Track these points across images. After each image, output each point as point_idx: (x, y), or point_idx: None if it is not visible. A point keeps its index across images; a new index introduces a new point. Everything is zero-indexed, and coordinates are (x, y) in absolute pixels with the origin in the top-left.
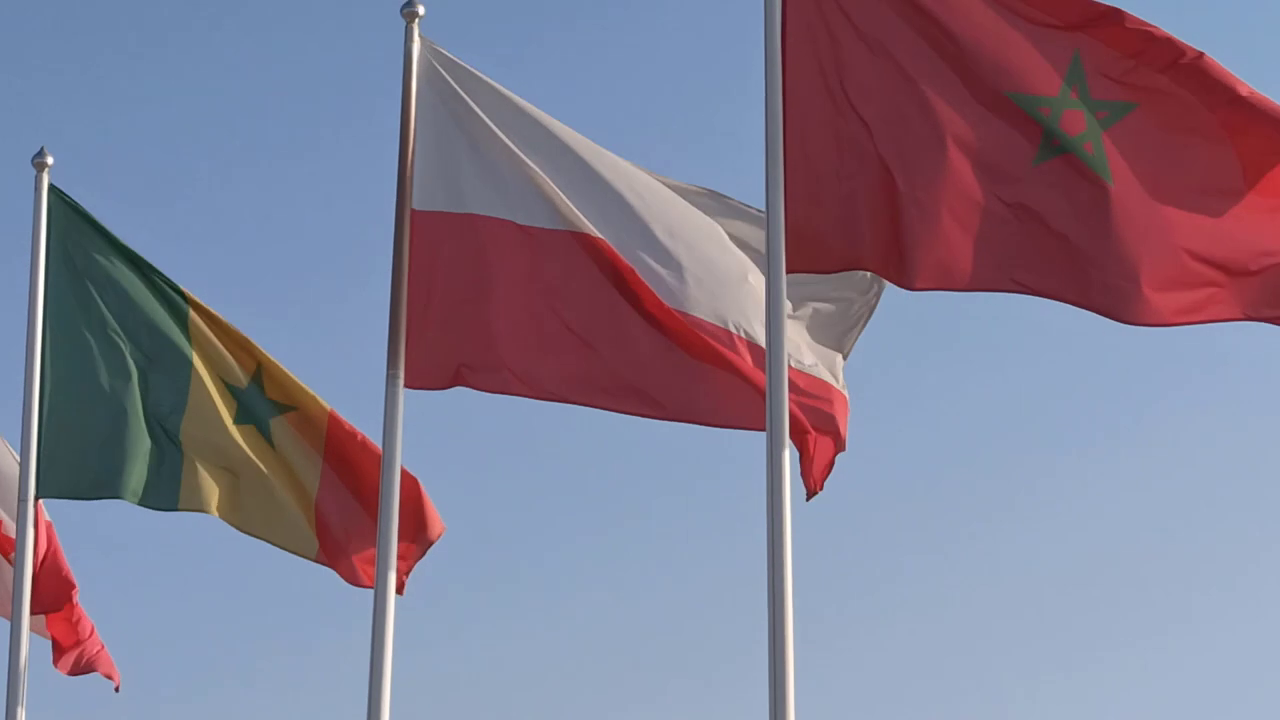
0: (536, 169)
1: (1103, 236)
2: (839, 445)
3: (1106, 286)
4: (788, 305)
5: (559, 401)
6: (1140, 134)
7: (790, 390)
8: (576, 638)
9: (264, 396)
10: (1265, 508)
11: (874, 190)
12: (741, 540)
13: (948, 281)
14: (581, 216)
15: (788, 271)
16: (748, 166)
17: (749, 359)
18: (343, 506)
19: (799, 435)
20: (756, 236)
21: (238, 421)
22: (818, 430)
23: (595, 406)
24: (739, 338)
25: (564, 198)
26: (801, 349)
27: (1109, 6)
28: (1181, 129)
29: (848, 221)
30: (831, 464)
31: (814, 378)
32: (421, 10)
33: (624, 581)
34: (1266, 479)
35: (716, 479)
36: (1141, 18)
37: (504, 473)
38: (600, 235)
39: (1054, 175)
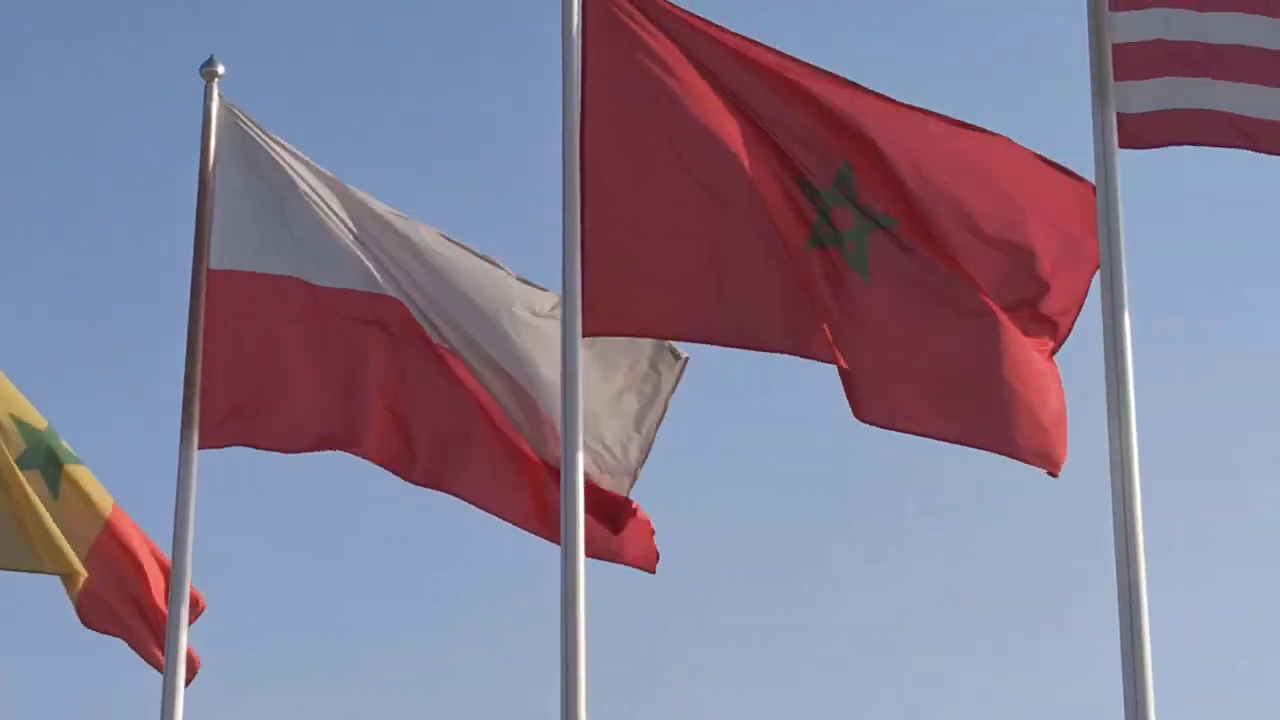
0: (338, 229)
1: (857, 329)
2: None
3: (852, 376)
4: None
5: (363, 458)
6: (899, 246)
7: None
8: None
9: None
10: None
11: (677, 253)
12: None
13: (752, 342)
14: (383, 278)
15: (585, 334)
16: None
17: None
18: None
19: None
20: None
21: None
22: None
23: (392, 472)
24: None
25: (362, 259)
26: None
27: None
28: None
29: (650, 283)
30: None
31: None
32: (221, 70)
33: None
34: None
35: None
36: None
37: (303, 536)
38: (403, 300)
39: (820, 262)
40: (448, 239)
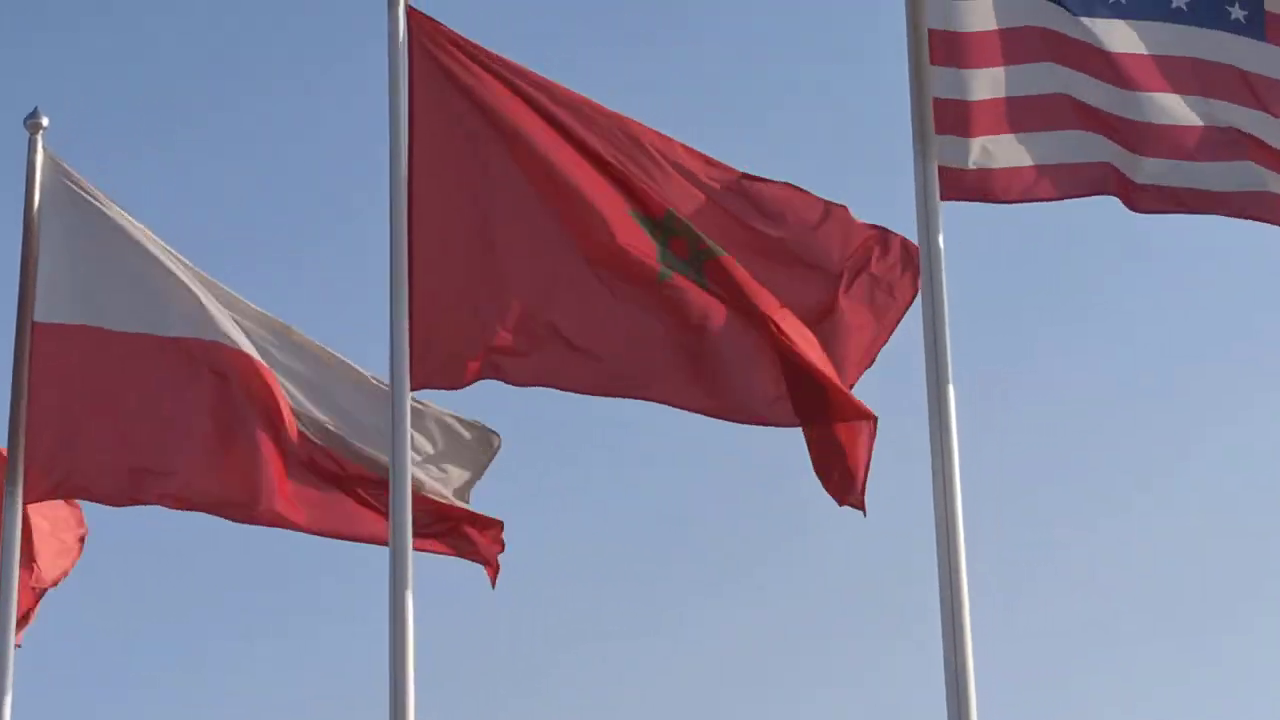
0: (167, 278)
1: (722, 347)
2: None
3: (730, 391)
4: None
5: (192, 510)
6: (734, 269)
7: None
8: None
9: None
10: None
11: (504, 303)
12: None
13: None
14: (221, 328)
15: (414, 388)
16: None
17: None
18: None
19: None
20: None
21: None
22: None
23: (224, 517)
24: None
25: (199, 307)
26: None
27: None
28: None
29: (477, 333)
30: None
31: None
32: (45, 122)
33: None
34: None
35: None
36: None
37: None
38: (241, 349)
39: (673, 291)
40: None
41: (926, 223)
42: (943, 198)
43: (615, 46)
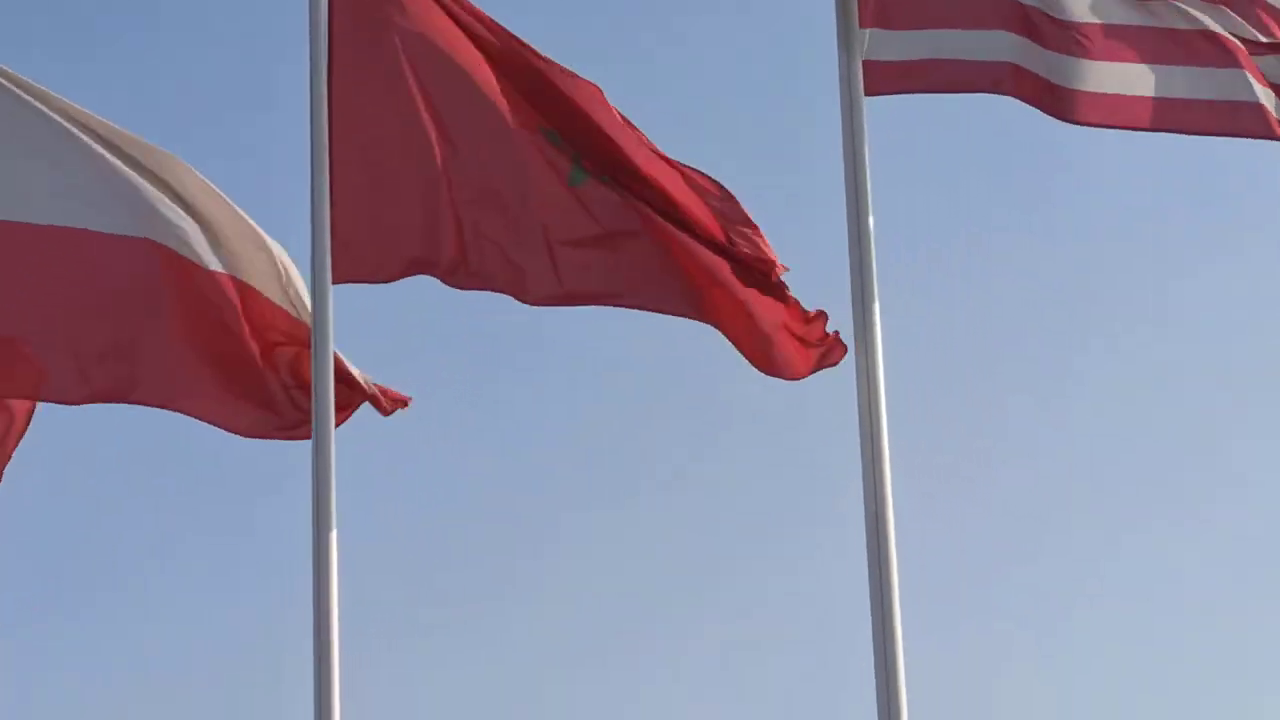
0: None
1: (649, 248)
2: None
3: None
4: None
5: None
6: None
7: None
8: None
9: None
10: None
11: (434, 193)
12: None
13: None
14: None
15: (335, 281)
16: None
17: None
18: None
19: None
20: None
21: None
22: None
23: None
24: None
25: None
26: None
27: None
28: None
29: (403, 225)
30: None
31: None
32: None
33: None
34: None
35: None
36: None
37: None
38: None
39: (589, 195)
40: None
41: (851, 117)
42: (867, 92)
43: None
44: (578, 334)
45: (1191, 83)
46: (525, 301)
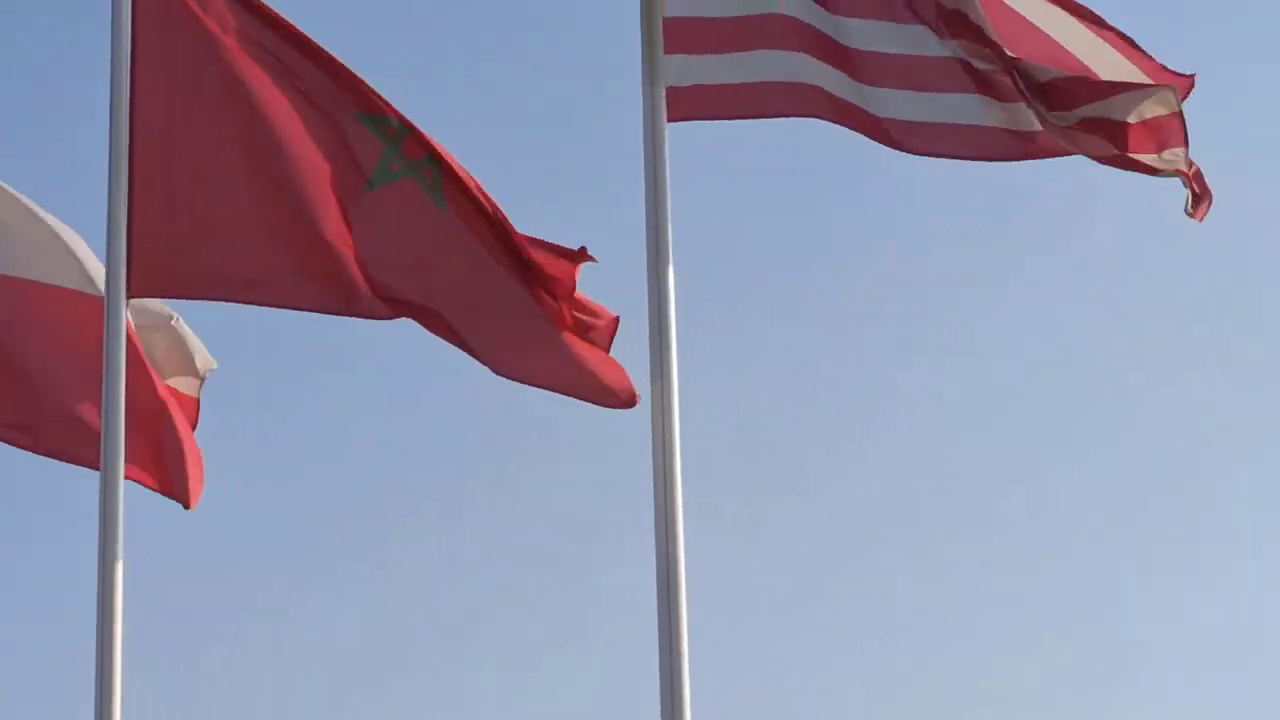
0: None
1: (443, 260)
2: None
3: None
4: None
5: None
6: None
7: None
8: None
9: None
10: None
11: (234, 212)
12: None
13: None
14: None
15: (131, 295)
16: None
17: None
18: None
19: None
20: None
21: None
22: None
23: None
24: None
25: None
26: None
27: None
28: None
29: (201, 243)
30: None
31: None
32: None
33: None
34: None
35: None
36: None
37: None
38: None
39: (391, 197)
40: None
41: (653, 143)
42: (670, 118)
43: None
44: (377, 352)
45: (938, 108)
46: (324, 313)
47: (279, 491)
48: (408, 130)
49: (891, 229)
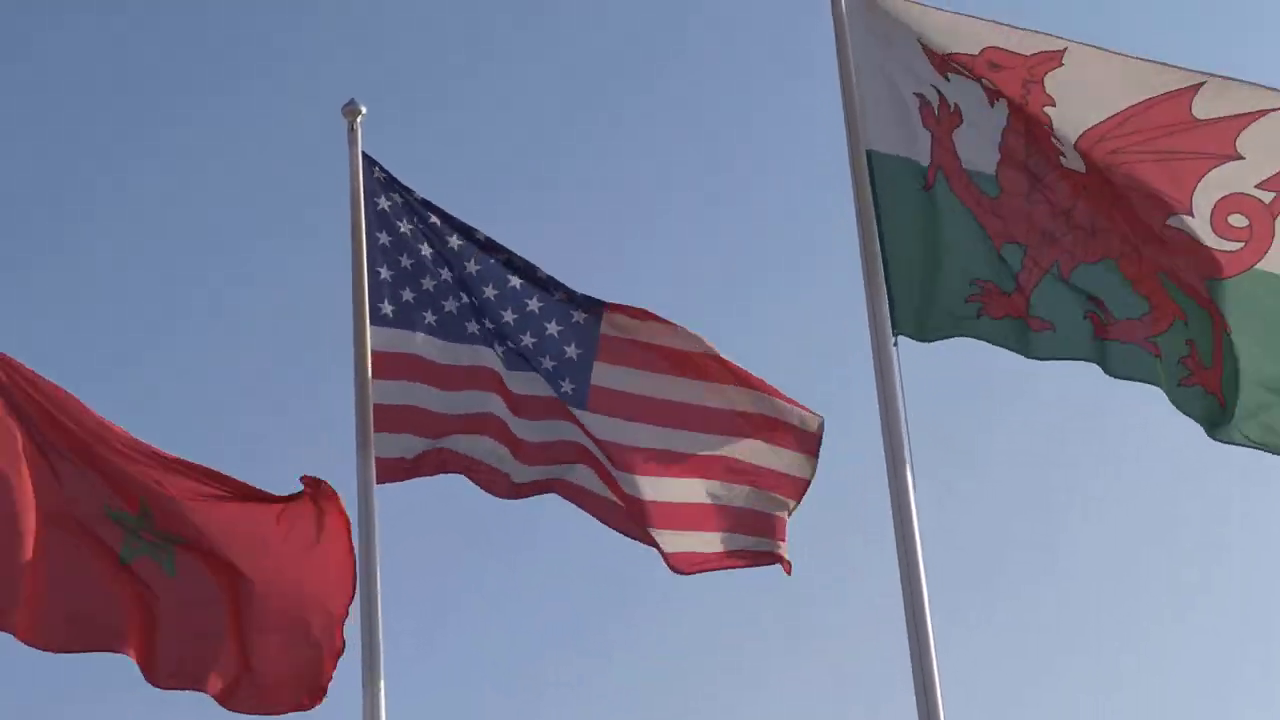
0: None
1: (177, 625)
2: None
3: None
4: None
5: None
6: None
7: None
8: None
9: None
10: None
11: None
12: None
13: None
14: None
15: None
16: None
17: None
18: None
19: None
20: None
21: None
22: None
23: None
24: None
25: None
26: None
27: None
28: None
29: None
30: None
31: None
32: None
33: None
34: None
35: None
36: None
37: None
38: None
39: (140, 573)
40: None
41: (365, 503)
42: (378, 481)
43: None
44: None
45: None
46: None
47: None
48: (143, 523)
49: None
